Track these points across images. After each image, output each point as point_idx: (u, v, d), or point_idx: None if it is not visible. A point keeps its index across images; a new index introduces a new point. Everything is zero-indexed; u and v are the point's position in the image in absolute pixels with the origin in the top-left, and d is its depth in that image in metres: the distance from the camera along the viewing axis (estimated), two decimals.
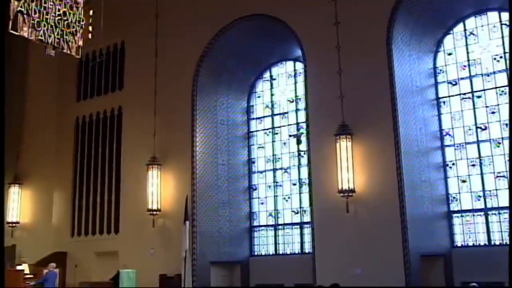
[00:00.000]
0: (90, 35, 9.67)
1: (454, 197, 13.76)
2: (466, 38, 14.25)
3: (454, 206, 13.72)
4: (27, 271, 16.31)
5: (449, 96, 14.27)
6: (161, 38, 16.88)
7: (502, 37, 13.70)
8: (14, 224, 19.20)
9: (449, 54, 14.45)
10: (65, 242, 18.35)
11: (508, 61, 13.18)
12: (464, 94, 14.05)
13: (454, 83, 14.28)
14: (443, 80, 14.44)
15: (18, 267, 16.13)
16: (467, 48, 14.20)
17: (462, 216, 13.56)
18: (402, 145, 12.95)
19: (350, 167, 13.23)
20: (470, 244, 13.28)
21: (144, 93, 17.04)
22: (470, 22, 14.27)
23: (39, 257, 17.43)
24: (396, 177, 12.77)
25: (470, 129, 13.81)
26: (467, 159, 13.73)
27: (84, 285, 14.17)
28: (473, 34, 14.18)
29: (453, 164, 13.92)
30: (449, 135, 14.12)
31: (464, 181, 13.69)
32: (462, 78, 14.16)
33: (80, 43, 9.49)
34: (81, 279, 15.78)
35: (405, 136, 13.15)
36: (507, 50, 13.38)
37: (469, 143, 13.76)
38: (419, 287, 12.27)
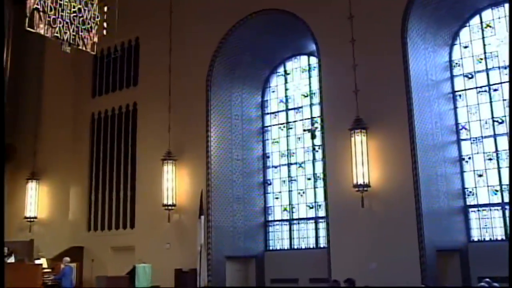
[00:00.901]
0: (104, 32, 9.74)
1: (470, 192, 13.65)
2: (482, 30, 14.08)
3: (470, 201, 13.61)
4: (45, 265, 16.50)
5: (465, 90, 14.13)
6: (175, 34, 16.93)
7: None
8: (32, 219, 19.47)
9: (465, 47, 14.29)
10: (81, 236, 18.55)
11: None
12: (481, 87, 13.89)
13: (470, 76, 14.13)
14: (459, 73, 14.29)
15: (36, 262, 16.33)
16: (483, 41, 14.03)
17: (478, 210, 13.44)
18: (417, 140, 12.85)
19: (365, 161, 13.17)
20: (487, 238, 13.16)
21: (158, 89, 17.11)
22: (487, 14, 14.09)
23: (56, 252, 17.64)
24: (411, 172, 12.69)
25: (486, 123, 13.66)
26: (483, 153, 13.59)
27: (101, 279, 14.29)
28: (490, 27, 14.00)
29: (469, 158, 13.79)
30: (465, 129, 13.98)
31: (480, 176, 13.56)
32: (478, 71, 14.01)
33: (95, 39, 9.57)
34: (98, 273, 15.94)
35: (420, 130, 13.05)
36: None
37: (485, 136, 13.62)
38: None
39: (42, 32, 8.69)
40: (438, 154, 13.56)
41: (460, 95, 14.19)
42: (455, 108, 14.15)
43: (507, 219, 12.91)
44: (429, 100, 13.69)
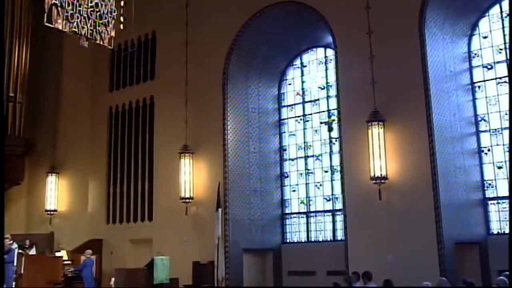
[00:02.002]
0: (121, 26, 9.79)
1: (489, 184, 13.50)
2: (502, 20, 13.86)
3: (489, 193, 13.45)
4: (65, 257, 16.75)
5: (484, 81, 13.93)
6: (192, 27, 16.97)
7: None
8: (52, 212, 19.72)
9: (485, 37, 14.08)
10: (100, 229, 18.75)
11: None
12: (500, 78, 13.70)
13: (489, 67, 13.93)
14: (478, 64, 14.09)
15: (57, 254, 16.57)
16: (503, 31, 13.81)
17: (498, 203, 13.29)
18: (435, 131, 12.74)
19: (383, 154, 13.10)
20: (507, 231, 13.01)
21: (175, 82, 17.18)
22: (507, 4, 13.85)
23: (76, 244, 17.88)
24: (429, 164, 12.59)
25: (506, 114, 13.46)
26: (503, 145, 13.41)
27: (120, 271, 14.45)
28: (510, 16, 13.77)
29: (488, 150, 13.63)
30: (484, 120, 13.81)
31: (500, 168, 13.39)
32: (498, 62, 13.80)
33: (112, 33, 9.62)
34: (117, 265, 16.11)
35: (438, 122, 12.93)
36: None
37: (505, 128, 13.41)
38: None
39: (60, 27, 8.76)
40: (457, 146, 13.42)
41: (479, 86, 14.00)
42: (474, 99, 13.97)
43: None
44: (448, 92, 13.54)
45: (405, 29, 13.33)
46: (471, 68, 14.14)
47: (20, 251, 15.54)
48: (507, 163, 13.24)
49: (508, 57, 13.10)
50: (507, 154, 13.27)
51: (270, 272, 16.31)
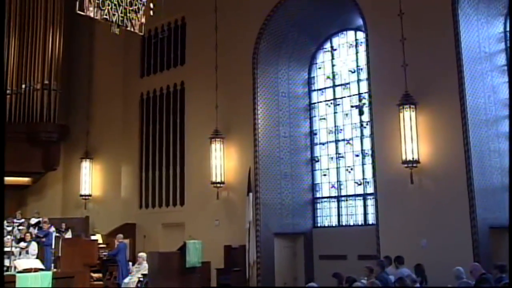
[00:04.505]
0: (151, 12, 9.84)
1: None
2: None
3: None
4: (100, 241, 17.14)
5: None
6: (221, 12, 16.96)
7: None
8: (86, 197, 20.16)
9: None
10: (133, 214, 19.11)
11: None
12: None
13: None
14: None
15: (92, 237, 16.96)
16: None
17: None
18: (469, 114, 12.49)
19: (414, 137, 12.94)
20: None
21: (205, 68, 17.24)
22: None
23: (110, 228, 18.29)
24: (463, 147, 12.37)
25: None
26: None
27: (153, 255, 14.69)
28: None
29: None
30: None
31: None
32: None
33: (143, 20, 9.67)
34: (150, 249, 16.35)
35: (472, 104, 12.67)
36: None
37: None
38: None
39: (91, 14, 8.86)
40: (491, 129, 13.15)
41: None
42: (511, 81, 13.62)
43: None
44: (482, 73, 13.24)
45: (437, 9, 13.05)
46: (507, 48, 13.76)
47: (56, 234, 16.00)
48: None
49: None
50: None
51: (301, 256, 16.37)
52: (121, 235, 15.90)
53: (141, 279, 13.24)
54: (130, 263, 14.42)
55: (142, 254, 13.98)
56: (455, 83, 12.60)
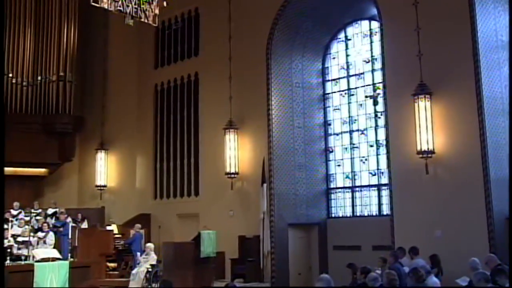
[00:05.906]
0: (165, 3, 9.85)
1: None
2: None
3: None
4: (115, 231, 17.32)
5: None
6: (234, 2, 16.91)
7: None
8: (102, 188, 20.35)
9: None
10: (148, 204, 19.25)
11: None
12: None
13: None
14: None
15: (108, 228, 17.15)
16: None
17: None
18: (485, 104, 12.34)
19: (429, 127, 12.83)
20: None
21: (219, 58, 17.24)
22: None
23: (125, 218, 18.45)
24: (478, 138, 12.25)
25: None
26: None
27: (168, 245, 14.83)
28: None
29: None
30: None
31: None
32: None
33: (156, 11, 9.70)
34: (165, 239, 16.51)
35: (488, 94, 12.52)
36: None
37: None
38: None
39: (106, 6, 8.91)
40: (508, 119, 12.98)
41: None
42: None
43: None
44: (499, 63, 13.05)
45: None
46: None
47: (73, 224, 16.21)
48: None
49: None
50: None
51: (316, 247, 16.40)
52: (138, 225, 16.06)
53: (150, 269, 13.32)
54: (139, 254, 14.59)
55: (150, 245, 14.08)
56: (471, 72, 12.45)
